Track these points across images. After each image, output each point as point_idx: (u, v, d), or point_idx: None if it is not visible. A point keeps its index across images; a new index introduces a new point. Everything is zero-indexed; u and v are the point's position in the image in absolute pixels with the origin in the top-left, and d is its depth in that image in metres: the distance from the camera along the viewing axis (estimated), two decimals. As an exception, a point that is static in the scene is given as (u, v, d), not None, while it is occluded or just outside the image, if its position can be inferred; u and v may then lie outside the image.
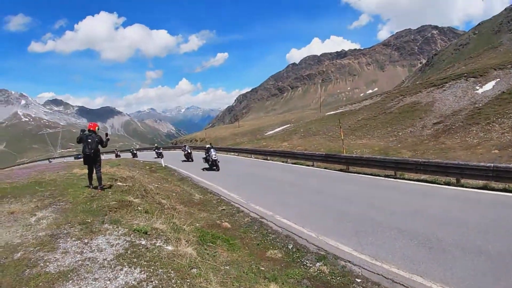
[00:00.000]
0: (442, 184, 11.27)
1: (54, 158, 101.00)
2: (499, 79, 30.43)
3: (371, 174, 14.40)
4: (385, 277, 5.22)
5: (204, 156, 20.67)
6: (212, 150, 19.89)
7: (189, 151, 28.14)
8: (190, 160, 27.03)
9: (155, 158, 31.06)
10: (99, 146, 8.28)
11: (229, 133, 72.56)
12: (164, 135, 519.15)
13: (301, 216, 8.67)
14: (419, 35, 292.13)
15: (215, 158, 19.39)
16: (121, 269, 3.82)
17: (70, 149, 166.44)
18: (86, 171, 8.77)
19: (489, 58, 44.72)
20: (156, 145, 45.17)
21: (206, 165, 20.53)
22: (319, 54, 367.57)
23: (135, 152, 40.63)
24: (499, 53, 45.18)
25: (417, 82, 64.37)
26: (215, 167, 19.36)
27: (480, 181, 10.76)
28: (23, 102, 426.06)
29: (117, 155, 39.79)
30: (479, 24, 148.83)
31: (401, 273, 5.26)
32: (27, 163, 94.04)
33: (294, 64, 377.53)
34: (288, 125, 57.98)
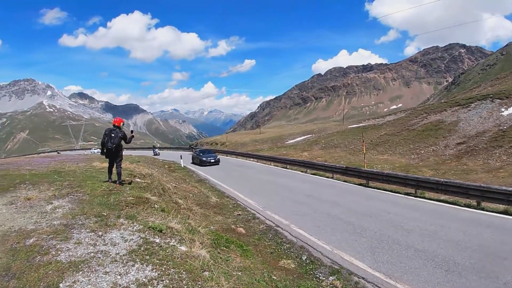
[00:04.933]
0: (462, 206, 10.83)
1: (75, 149, 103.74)
2: (525, 102, 29.39)
3: (391, 191, 13.98)
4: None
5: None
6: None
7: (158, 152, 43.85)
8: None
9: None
10: (122, 142, 8.36)
11: (249, 139, 72.17)
12: (185, 136, 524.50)
13: (318, 228, 8.49)
14: (446, 53, 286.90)
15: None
16: (133, 265, 3.77)
17: (92, 142, 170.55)
18: (106, 164, 8.87)
19: (516, 80, 43.18)
20: None
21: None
22: (345, 67, 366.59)
23: None
24: (527, 75, 43.60)
25: (442, 101, 62.81)
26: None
27: (501, 205, 10.30)
28: (49, 93, 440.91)
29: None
30: (507, 45, 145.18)
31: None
32: (48, 152, 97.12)
33: (319, 74, 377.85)
34: (309, 135, 57.16)
